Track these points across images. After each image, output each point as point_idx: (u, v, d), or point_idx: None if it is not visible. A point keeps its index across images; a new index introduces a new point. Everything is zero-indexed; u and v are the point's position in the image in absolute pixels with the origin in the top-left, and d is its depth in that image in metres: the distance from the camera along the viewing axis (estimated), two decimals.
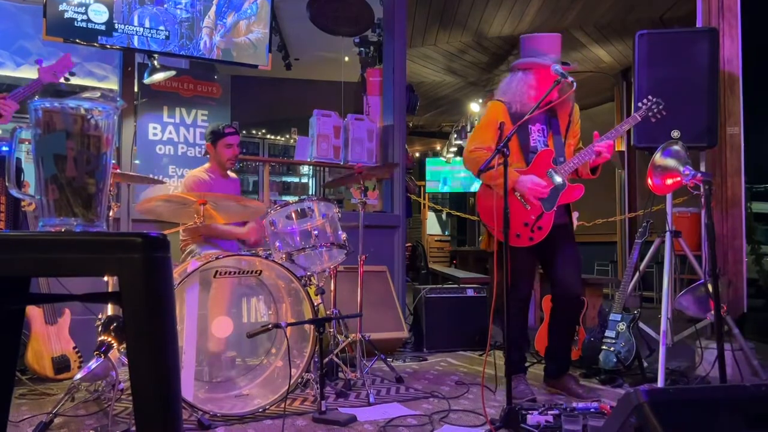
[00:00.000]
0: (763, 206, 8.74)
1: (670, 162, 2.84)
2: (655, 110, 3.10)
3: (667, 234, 3.50)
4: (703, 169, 3.83)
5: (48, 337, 3.42)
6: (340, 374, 3.44)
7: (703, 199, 2.75)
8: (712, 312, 3.09)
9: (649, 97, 3.13)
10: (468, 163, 3.12)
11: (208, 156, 3.91)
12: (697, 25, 4.00)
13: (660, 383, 3.18)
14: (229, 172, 3.93)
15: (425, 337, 4.52)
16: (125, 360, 2.74)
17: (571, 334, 3.33)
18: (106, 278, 2.70)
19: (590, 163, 3.11)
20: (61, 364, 3.42)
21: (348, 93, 7.16)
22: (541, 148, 3.12)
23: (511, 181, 2.98)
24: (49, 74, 3.27)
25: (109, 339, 2.60)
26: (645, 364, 3.62)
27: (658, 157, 2.87)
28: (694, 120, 3.55)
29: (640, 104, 3.13)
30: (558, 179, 3.04)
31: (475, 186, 11.72)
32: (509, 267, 2.67)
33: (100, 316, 2.83)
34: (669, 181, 2.86)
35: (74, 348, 3.50)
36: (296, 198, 3.62)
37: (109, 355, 2.57)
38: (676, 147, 2.88)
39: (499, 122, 2.99)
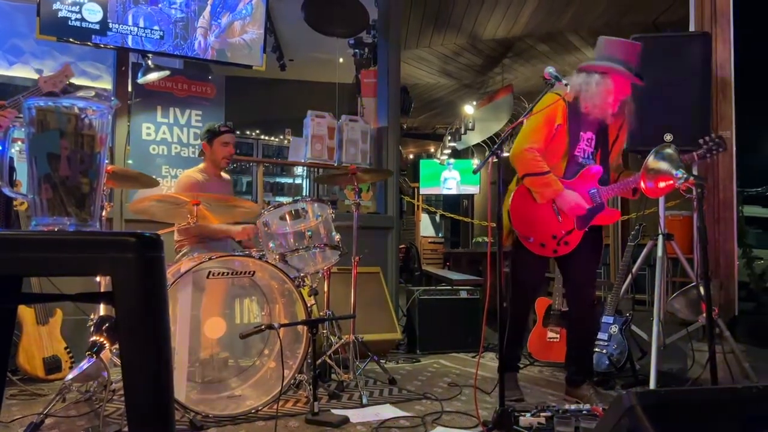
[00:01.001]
0: (754, 210, 8.82)
1: (663, 165, 2.84)
2: (714, 151, 2.98)
3: (660, 237, 3.51)
4: (695, 172, 3.84)
5: (39, 337, 3.40)
6: (333, 375, 3.44)
7: (695, 203, 2.76)
8: (704, 314, 3.11)
9: (712, 135, 3.00)
10: (517, 160, 2.98)
11: (202, 156, 3.91)
12: (690, 30, 4.02)
13: (652, 385, 3.19)
14: (222, 173, 3.92)
15: (418, 338, 4.53)
16: (117, 360, 2.73)
17: (587, 340, 3.24)
18: (98, 278, 2.69)
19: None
20: (53, 365, 3.41)
21: (342, 94, 7.17)
22: (583, 159, 3.05)
23: (554, 191, 2.97)
24: (49, 84, 3.27)
25: (101, 339, 2.59)
26: (637, 367, 3.64)
27: (651, 160, 2.87)
28: (686, 123, 3.56)
29: (701, 141, 3.02)
30: (598, 200, 3.02)
31: (467, 188, 11.74)
32: (501, 269, 2.68)
33: (92, 317, 2.82)
34: (662, 184, 2.86)
35: (66, 348, 3.48)
36: (290, 199, 3.63)
37: (100, 355, 2.56)
38: (669, 150, 2.88)
39: (557, 125, 2.96)
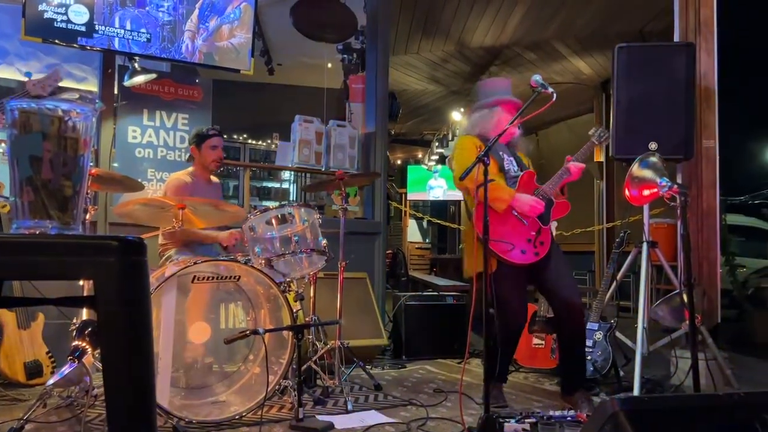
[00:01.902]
0: (737, 218, 8.92)
1: (647, 173, 2.87)
2: (603, 137, 3.28)
3: (644, 244, 3.54)
4: (679, 180, 3.88)
5: (20, 341, 3.36)
6: (318, 381, 3.42)
7: (679, 211, 2.79)
8: (687, 322, 3.14)
9: (596, 127, 3.34)
10: (465, 181, 2.98)
11: (191, 161, 3.90)
12: (674, 40, 4.07)
13: (636, 392, 3.21)
14: (211, 177, 3.91)
15: (404, 344, 4.52)
16: (100, 365, 2.70)
17: (579, 347, 3.23)
18: (81, 282, 2.66)
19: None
20: (34, 370, 3.36)
21: (330, 99, 7.15)
22: (515, 172, 3.23)
23: (509, 194, 3.09)
24: (38, 88, 3.25)
25: (84, 344, 2.55)
26: (621, 373, 3.66)
27: (636, 169, 2.90)
28: (671, 132, 3.60)
29: (590, 132, 3.31)
30: (545, 197, 3.15)
31: (454, 194, 11.76)
32: (487, 277, 2.68)
33: (74, 321, 2.79)
34: (646, 192, 2.89)
35: (47, 353, 3.44)
36: (277, 203, 3.63)
37: (83, 360, 2.53)
38: (653, 159, 2.91)
39: (477, 146, 3.15)
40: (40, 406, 2.66)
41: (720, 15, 3.97)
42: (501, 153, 3.26)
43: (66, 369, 2.52)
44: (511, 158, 3.31)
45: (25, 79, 3.33)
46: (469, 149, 3.20)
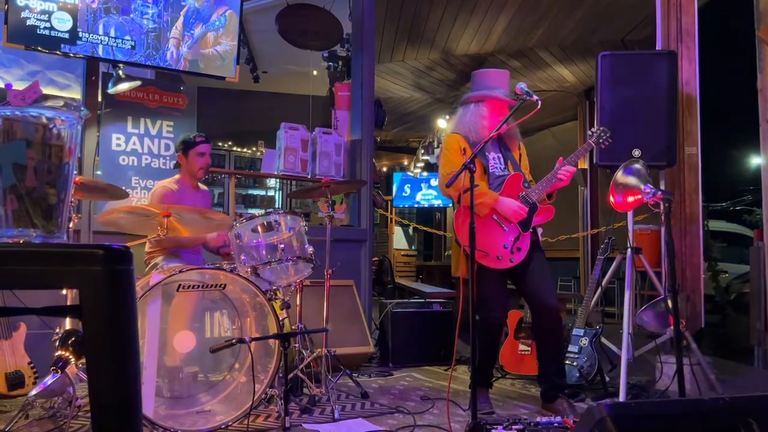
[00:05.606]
0: (719, 224, 9.03)
1: (632, 180, 2.90)
2: (603, 138, 3.22)
3: (629, 250, 3.57)
4: (662, 187, 3.92)
5: (2, 351, 3.30)
6: (305, 390, 3.40)
7: (662, 217, 2.82)
8: (672, 327, 3.16)
9: (597, 126, 3.30)
10: (449, 188, 2.97)
11: (178, 168, 3.88)
12: (656, 48, 4.12)
13: (621, 397, 3.23)
14: (199, 184, 3.89)
15: (391, 351, 4.51)
16: (83, 376, 2.67)
17: (558, 351, 3.26)
18: (64, 291, 2.63)
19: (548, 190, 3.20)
20: (15, 380, 3.30)
21: (316, 107, 7.15)
22: (500, 172, 3.21)
23: (492, 198, 3.09)
24: (18, 98, 3.22)
25: (67, 354, 2.52)
26: (607, 379, 3.68)
27: (620, 175, 2.93)
28: (654, 139, 3.64)
29: (590, 132, 3.28)
30: (530, 202, 3.14)
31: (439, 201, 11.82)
32: (474, 283, 2.69)
33: (57, 331, 2.75)
34: (630, 199, 2.92)
35: (29, 363, 3.38)
36: (262, 211, 3.61)
37: (66, 370, 2.49)
38: (637, 165, 2.95)
39: (462, 147, 3.13)
40: (22, 417, 2.63)
41: (701, 23, 4.03)
42: (487, 152, 3.22)
43: (49, 379, 2.48)
44: (499, 155, 3.25)
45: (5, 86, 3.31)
46: (454, 151, 3.18)
